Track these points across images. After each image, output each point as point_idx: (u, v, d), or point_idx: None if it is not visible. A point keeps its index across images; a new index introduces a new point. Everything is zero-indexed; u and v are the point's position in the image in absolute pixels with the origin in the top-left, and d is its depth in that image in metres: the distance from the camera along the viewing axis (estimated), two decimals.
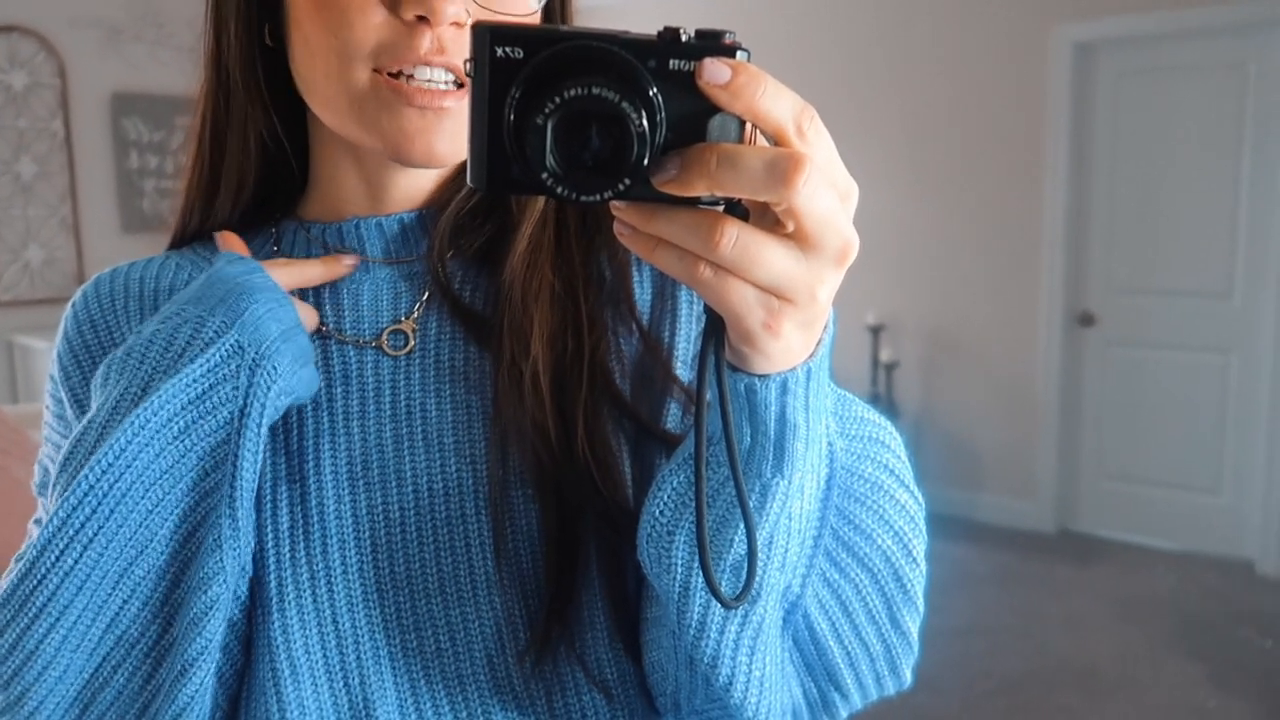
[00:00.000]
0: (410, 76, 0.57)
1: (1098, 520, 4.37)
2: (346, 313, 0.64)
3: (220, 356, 0.55)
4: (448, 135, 0.59)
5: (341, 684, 0.58)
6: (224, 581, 0.55)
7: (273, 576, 0.58)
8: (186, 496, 0.55)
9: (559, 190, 0.39)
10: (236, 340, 0.55)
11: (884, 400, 4.54)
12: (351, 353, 0.63)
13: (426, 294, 0.64)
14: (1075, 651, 3.27)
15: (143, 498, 0.54)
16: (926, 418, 4.61)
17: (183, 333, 0.56)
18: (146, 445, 0.54)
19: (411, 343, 0.63)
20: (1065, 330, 4.30)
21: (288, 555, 0.59)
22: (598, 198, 0.39)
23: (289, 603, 0.58)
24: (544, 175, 0.39)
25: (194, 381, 0.55)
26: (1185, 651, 3.25)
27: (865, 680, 0.59)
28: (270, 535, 0.59)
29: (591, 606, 0.60)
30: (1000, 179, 4.35)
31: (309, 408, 0.62)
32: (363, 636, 0.58)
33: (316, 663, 0.58)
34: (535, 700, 0.59)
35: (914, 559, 0.58)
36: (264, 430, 0.56)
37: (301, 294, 0.64)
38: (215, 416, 0.55)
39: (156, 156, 4.55)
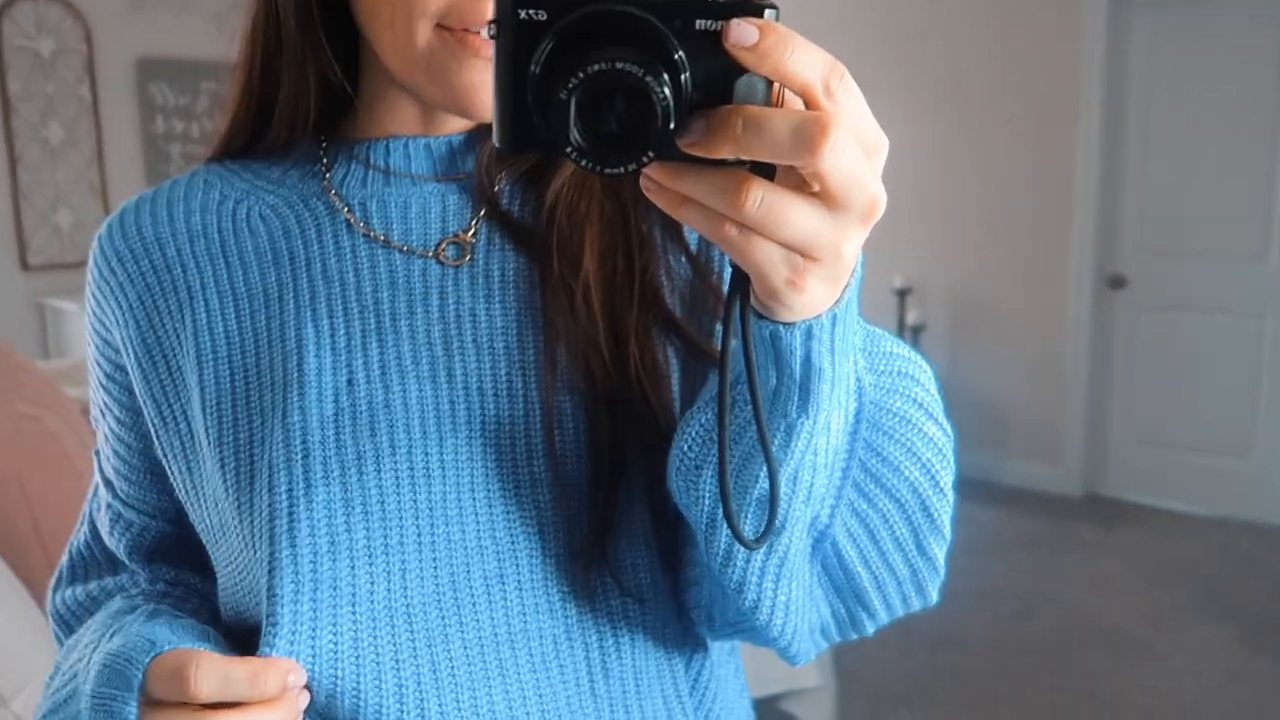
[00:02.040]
0: (476, 33, 0.57)
1: (1126, 485, 4.33)
2: (395, 223, 0.64)
3: None
4: None
5: (381, 565, 0.58)
6: None
7: (317, 458, 0.58)
8: None
9: (583, 163, 0.39)
10: None
11: None
12: (399, 259, 0.63)
13: (484, 210, 0.64)
14: (1103, 614, 3.26)
15: None
16: (953, 381, 4.58)
17: None
18: None
19: (469, 255, 0.63)
20: (1095, 293, 4.25)
21: (332, 438, 0.59)
22: (622, 170, 0.39)
23: (333, 481, 0.58)
24: (568, 149, 0.39)
25: None
26: (1214, 615, 3.23)
27: (892, 601, 0.61)
28: (315, 418, 0.59)
29: (631, 515, 0.60)
30: (1031, 139, 4.28)
31: (354, 306, 0.62)
32: (407, 520, 0.59)
33: (357, 541, 0.58)
34: (569, 602, 0.61)
35: (941, 490, 0.60)
36: None
37: (343, 202, 0.64)
38: None
39: (182, 121, 4.56)
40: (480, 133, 0.66)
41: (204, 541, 0.66)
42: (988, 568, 3.54)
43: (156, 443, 0.66)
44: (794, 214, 0.40)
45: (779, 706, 2.29)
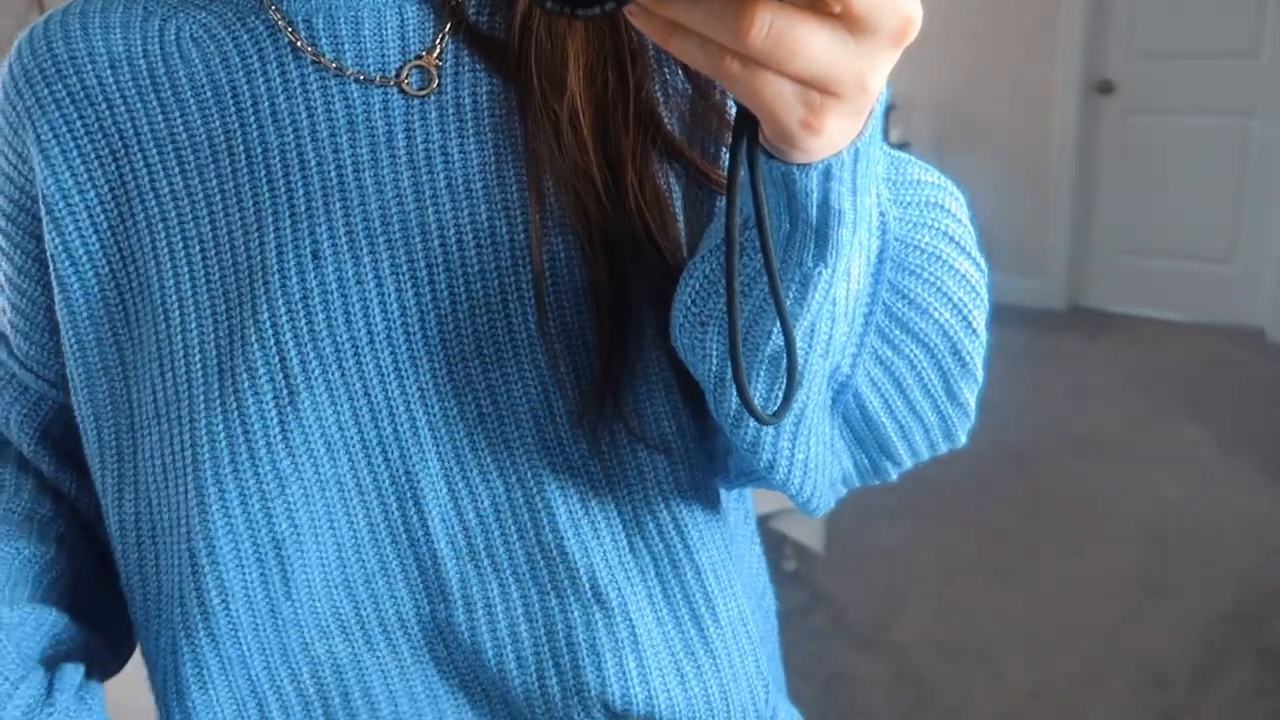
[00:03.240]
0: None
1: (1109, 295, 4.34)
2: (346, 43, 0.54)
3: None
4: None
5: (380, 458, 0.54)
6: None
7: (293, 354, 0.53)
8: None
9: (548, 5, 0.32)
10: None
11: None
12: (355, 91, 0.54)
13: (449, 25, 0.55)
14: (1082, 421, 3.33)
15: None
16: None
17: None
18: None
19: (435, 82, 0.55)
20: (1082, 99, 4.14)
21: (305, 329, 0.53)
22: (597, 10, 0.32)
23: (315, 379, 0.53)
24: None
25: None
26: (1192, 418, 3.29)
27: (919, 448, 0.57)
28: (283, 309, 0.53)
29: (645, 360, 0.55)
30: None
31: (311, 159, 0.54)
32: (398, 407, 0.54)
33: (352, 439, 0.54)
34: (588, 461, 0.56)
35: (973, 330, 0.54)
36: None
37: (285, 20, 0.55)
38: None
39: None
40: None
41: (88, 430, 0.59)
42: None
43: (62, 302, 0.58)
44: (809, 42, 0.33)
45: (770, 525, 2.35)
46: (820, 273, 0.43)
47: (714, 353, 0.48)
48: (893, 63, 0.35)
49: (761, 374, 0.47)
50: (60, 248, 0.57)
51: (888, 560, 2.64)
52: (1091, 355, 3.90)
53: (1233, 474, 2.96)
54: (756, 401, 0.47)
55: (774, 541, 2.48)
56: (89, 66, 0.56)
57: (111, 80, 0.56)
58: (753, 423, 0.49)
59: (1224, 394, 3.48)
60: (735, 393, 0.47)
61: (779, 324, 0.44)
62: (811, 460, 0.52)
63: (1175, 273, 4.17)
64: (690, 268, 0.49)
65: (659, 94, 0.54)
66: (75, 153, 0.56)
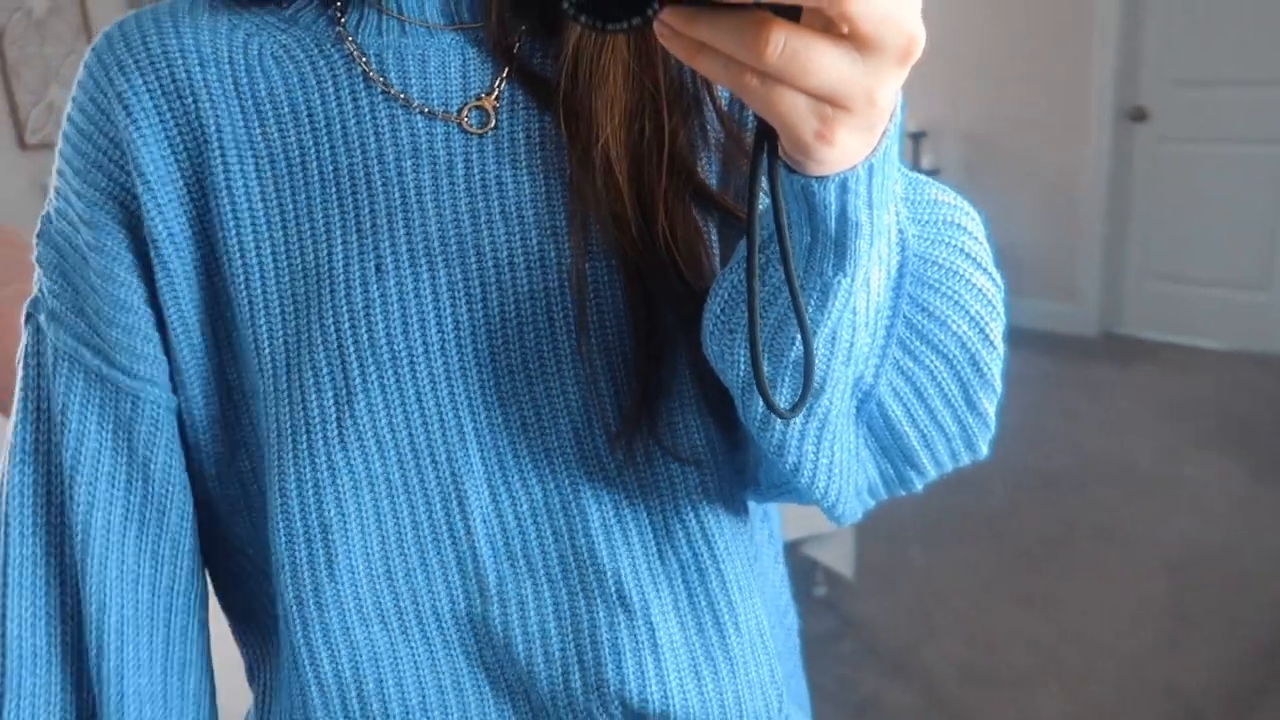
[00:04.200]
0: None
1: (1142, 322, 4.32)
2: (413, 78, 0.59)
3: None
4: None
5: (428, 460, 0.58)
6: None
7: (354, 358, 0.57)
8: None
9: (583, 19, 0.36)
10: None
11: None
12: (420, 123, 0.59)
13: (506, 69, 0.60)
14: (1115, 450, 3.31)
15: None
16: None
17: None
18: None
19: (493, 121, 0.59)
20: (1115, 127, 4.14)
21: (366, 336, 0.57)
22: (626, 25, 0.36)
23: (371, 383, 0.57)
24: (565, 4, 0.35)
25: None
26: (1226, 448, 3.27)
27: (941, 458, 0.60)
28: (346, 316, 0.57)
29: (677, 379, 0.59)
30: None
31: (377, 181, 0.58)
32: (447, 415, 0.58)
33: (402, 441, 0.58)
34: (623, 471, 0.60)
35: (991, 342, 0.58)
36: None
37: (361, 52, 0.59)
38: None
39: None
40: None
41: (196, 401, 0.61)
42: (1002, 408, 3.57)
43: (166, 285, 0.59)
44: (821, 60, 0.36)
45: (800, 551, 2.36)
46: (840, 281, 0.47)
47: (742, 359, 0.51)
48: (900, 80, 0.39)
49: (786, 379, 0.51)
50: (163, 231, 0.59)
51: (918, 586, 2.65)
52: (1124, 382, 3.89)
53: (1267, 503, 2.93)
54: (781, 405, 0.51)
55: (805, 567, 2.49)
56: (180, 61, 0.59)
57: (200, 77, 0.59)
58: (778, 426, 0.53)
59: (1258, 422, 3.45)
60: (766, 406, 0.50)
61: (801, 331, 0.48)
62: (836, 465, 0.55)
63: (1209, 300, 4.15)
64: (720, 278, 0.52)
65: (697, 141, 0.58)
66: (165, 141, 0.59)
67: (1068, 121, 4.22)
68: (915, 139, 4.41)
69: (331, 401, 0.57)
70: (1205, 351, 4.10)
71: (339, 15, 0.60)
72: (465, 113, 0.59)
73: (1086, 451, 3.32)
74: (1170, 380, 3.87)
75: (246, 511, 0.64)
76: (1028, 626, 2.45)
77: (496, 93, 0.60)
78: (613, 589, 0.59)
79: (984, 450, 0.61)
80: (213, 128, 0.58)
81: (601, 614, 0.59)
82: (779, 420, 0.52)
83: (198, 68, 0.59)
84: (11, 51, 4.10)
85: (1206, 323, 4.15)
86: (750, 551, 0.64)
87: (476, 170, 0.59)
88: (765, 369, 0.50)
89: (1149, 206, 4.23)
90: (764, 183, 0.43)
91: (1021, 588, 2.61)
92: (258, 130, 0.59)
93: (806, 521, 2.22)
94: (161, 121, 0.59)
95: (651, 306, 0.58)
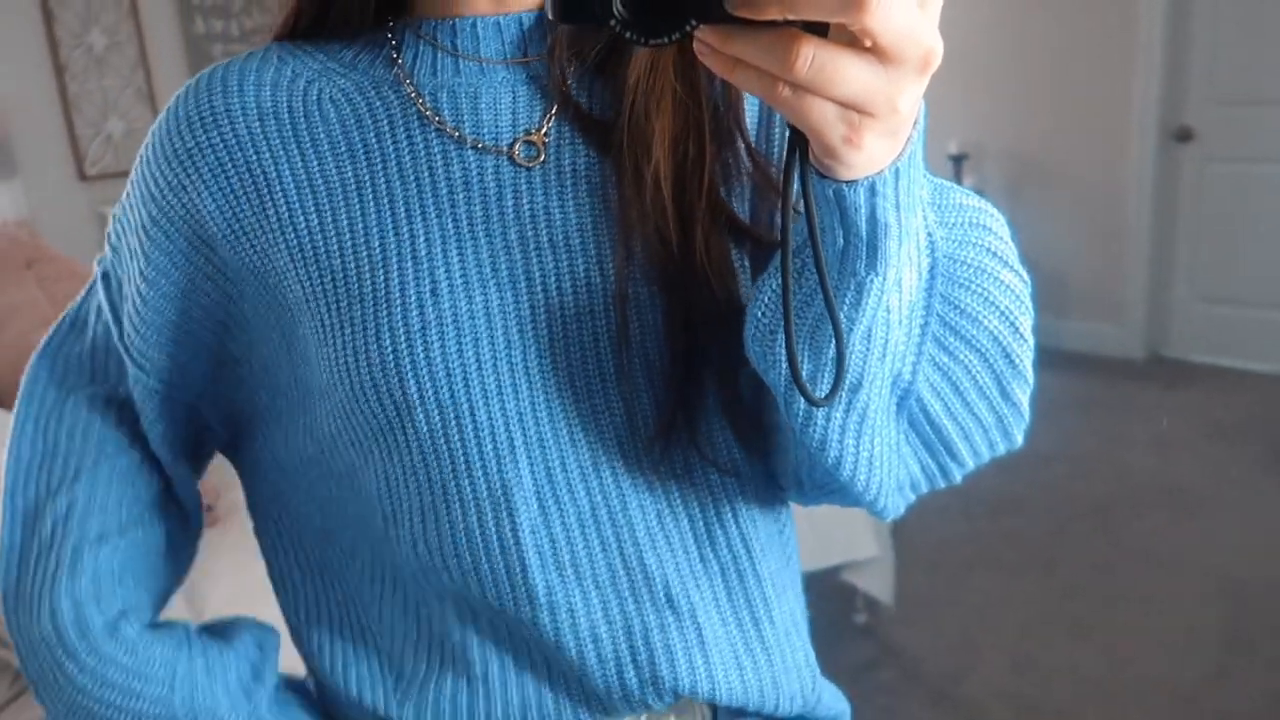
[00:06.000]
0: None
1: (1189, 344, 4.27)
2: (466, 115, 0.63)
3: None
4: None
5: (480, 472, 0.61)
6: None
7: (410, 375, 0.60)
8: None
9: (628, 34, 0.40)
10: None
11: None
12: (471, 157, 0.63)
13: (555, 106, 0.64)
14: (1162, 474, 3.27)
15: None
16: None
17: None
18: None
19: (542, 155, 0.63)
20: (1160, 147, 4.10)
21: (422, 355, 0.61)
22: (666, 40, 0.40)
23: (428, 398, 0.61)
24: (612, 21, 0.39)
25: None
26: (1274, 469, 3.22)
27: (979, 448, 0.65)
28: (403, 336, 0.61)
29: (717, 393, 0.63)
30: None
31: (431, 210, 0.62)
32: (498, 427, 0.61)
33: (457, 455, 0.61)
34: (666, 482, 0.64)
35: (1021, 336, 0.62)
36: None
37: (417, 91, 0.64)
38: None
39: (221, 20, 4.52)
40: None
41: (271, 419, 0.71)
42: (1047, 431, 3.53)
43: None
44: (846, 71, 0.40)
45: (839, 578, 2.35)
46: (872, 281, 0.50)
47: (783, 359, 0.54)
48: (921, 88, 0.43)
49: (825, 375, 0.54)
50: (220, 264, 0.66)
51: (960, 613, 2.63)
52: (1170, 405, 3.84)
53: None
54: (818, 396, 0.55)
55: (844, 594, 2.48)
56: (241, 118, 0.64)
57: (260, 131, 0.64)
58: (820, 421, 0.56)
59: None
60: (801, 395, 0.54)
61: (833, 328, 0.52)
62: (876, 459, 0.59)
63: (1256, 321, 4.09)
64: (760, 284, 0.55)
65: (731, 165, 0.63)
66: (228, 189, 0.64)
67: (1112, 142, 4.19)
68: (957, 161, 4.40)
69: (393, 414, 0.61)
70: (1253, 373, 4.04)
71: (395, 55, 0.65)
72: (516, 147, 0.63)
73: (1133, 475, 3.28)
74: (1218, 402, 3.82)
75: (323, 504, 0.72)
76: (1074, 655, 2.42)
77: (545, 128, 0.64)
78: (661, 593, 0.64)
79: (1019, 439, 0.66)
80: (274, 174, 0.63)
81: (652, 617, 0.64)
82: (820, 415, 0.56)
83: (257, 122, 0.64)
84: (73, 86, 4.24)
85: (1254, 344, 4.09)
86: (784, 550, 0.70)
87: (525, 201, 0.63)
88: (806, 366, 0.54)
89: (1195, 227, 4.18)
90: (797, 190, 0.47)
91: (1068, 615, 2.58)
92: (315, 168, 0.64)
93: (846, 548, 2.22)
94: (224, 173, 0.64)
95: (688, 326, 0.62)
